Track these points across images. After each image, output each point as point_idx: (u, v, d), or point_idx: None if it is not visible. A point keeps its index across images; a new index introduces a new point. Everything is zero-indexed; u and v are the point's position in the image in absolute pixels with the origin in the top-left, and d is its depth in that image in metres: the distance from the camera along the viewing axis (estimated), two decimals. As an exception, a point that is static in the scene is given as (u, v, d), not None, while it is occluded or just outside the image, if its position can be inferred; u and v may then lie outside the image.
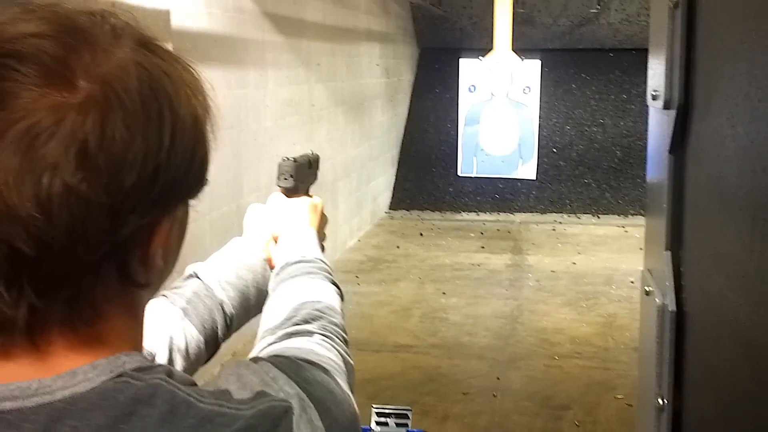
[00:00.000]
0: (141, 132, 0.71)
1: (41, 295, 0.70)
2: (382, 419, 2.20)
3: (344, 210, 9.11)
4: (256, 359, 0.86)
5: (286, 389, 0.80)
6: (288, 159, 1.50)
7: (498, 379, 5.63)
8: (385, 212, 11.20)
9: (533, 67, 9.09)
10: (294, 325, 1.09)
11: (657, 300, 1.45)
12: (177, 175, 0.75)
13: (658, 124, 1.56)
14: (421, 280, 8.03)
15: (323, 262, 1.35)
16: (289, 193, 1.51)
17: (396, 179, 11.63)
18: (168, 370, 0.76)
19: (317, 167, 1.62)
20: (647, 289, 1.54)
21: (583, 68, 12.09)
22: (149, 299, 0.83)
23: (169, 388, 0.73)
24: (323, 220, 1.54)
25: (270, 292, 1.28)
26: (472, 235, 10.04)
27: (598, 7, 10.96)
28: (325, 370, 0.91)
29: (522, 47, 9.58)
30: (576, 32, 12.05)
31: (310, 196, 1.55)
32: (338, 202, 8.82)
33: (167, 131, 0.73)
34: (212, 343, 1.34)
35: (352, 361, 1.05)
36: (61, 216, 0.68)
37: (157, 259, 0.77)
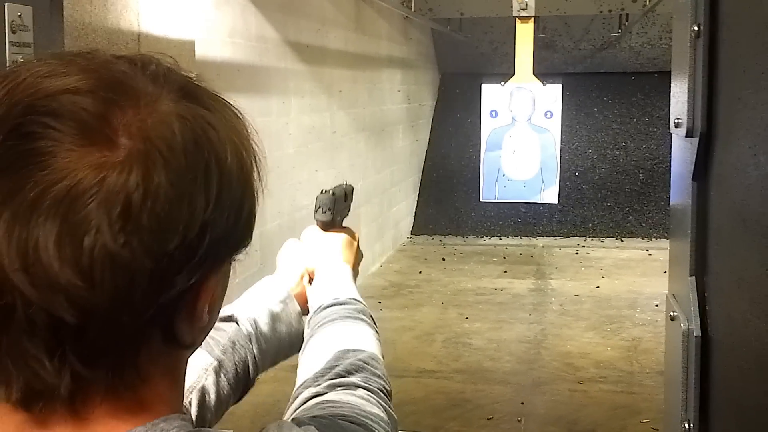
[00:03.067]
0: (186, 189, 0.67)
1: (85, 363, 0.67)
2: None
3: (366, 235, 9.13)
4: (299, 422, 0.83)
5: None
6: (326, 191, 1.47)
7: (522, 404, 5.61)
8: (407, 237, 11.22)
9: (555, 91, 9.11)
10: (337, 377, 1.06)
11: (682, 325, 1.46)
12: (224, 232, 0.71)
13: (681, 150, 1.58)
14: (443, 305, 8.03)
15: (359, 302, 1.31)
16: (326, 226, 1.48)
17: (418, 204, 11.65)
18: None
19: (351, 199, 1.59)
20: (672, 314, 1.56)
21: (605, 92, 12.10)
22: (191, 354, 0.80)
23: None
24: (359, 256, 1.50)
25: (306, 336, 1.25)
26: (495, 259, 10.03)
27: (620, 30, 10.97)
28: (369, 429, 0.89)
29: (543, 71, 9.60)
30: (597, 56, 12.07)
31: (345, 229, 1.52)
32: (360, 228, 8.84)
33: (213, 187, 0.70)
34: (243, 386, 1.31)
35: (395, 415, 1.02)
36: (103, 282, 0.64)
37: (203, 316, 0.74)
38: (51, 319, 0.64)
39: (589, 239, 11.04)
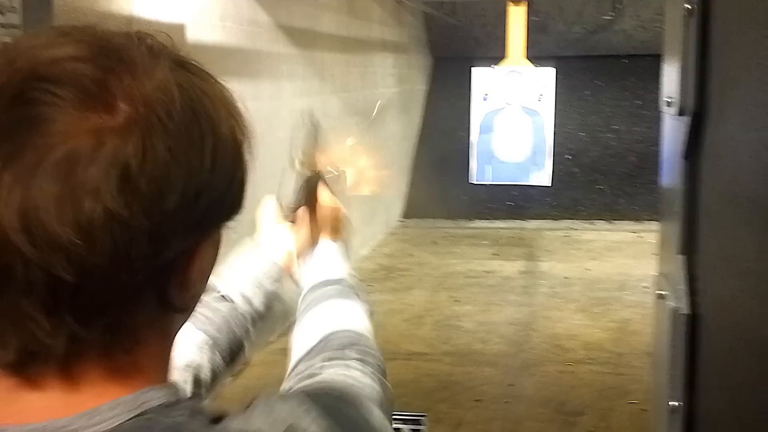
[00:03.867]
0: (183, 154, 0.69)
1: (82, 322, 0.68)
2: (397, 425, 2.22)
3: (357, 219, 9.08)
4: (288, 393, 0.84)
5: (319, 422, 0.77)
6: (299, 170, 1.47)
7: (511, 385, 5.65)
8: (399, 221, 11.23)
9: (547, 74, 9.11)
10: (331, 353, 1.07)
11: (670, 303, 1.47)
12: (218, 197, 0.73)
13: (672, 130, 1.58)
14: (434, 288, 8.05)
15: (351, 278, 1.32)
16: (308, 202, 1.46)
17: (409, 188, 11.65)
18: (193, 407, 0.74)
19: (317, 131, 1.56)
20: (661, 293, 1.56)
21: (598, 75, 12.10)
22: (183, 323, 0.81)
23: (191, 429, 0.71)
24: (347, 229, 1.50)
25: (298, 316, 1.26)
26: (486, 242, 10.06)
27: (612, 14, 10.97)
28: (361, 402, 0.89)
29: (536, 55, 9.59)
30: (590, 39, 12.06)
31: (334, 204, 1.49)
32: (351, 211, 8.83)
33: (209, 153, 0.72)
34: (237, 363, 1.33)
35: (390, 387, 1.03)
36: (103, 242, 0.66)
37: (195, 283, 0.76)
38: (49, 279, 0.66)
39: (579, 222, 11.07)
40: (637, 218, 10.90)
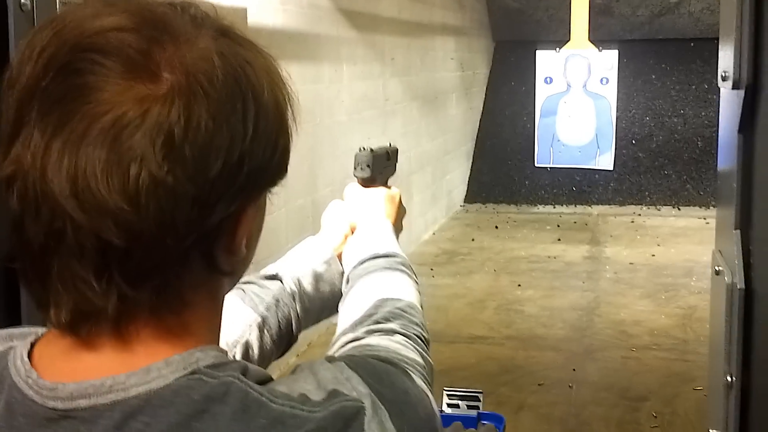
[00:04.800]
0: (225, 121, 0.71)
1: (131, 284, 0.71)
2: (454, 401, 2.24)
3: (419, 203, 9.14)
4: (331, 359, 0.85)
5: (359, 389, 0.78)
6: (365, 149, 1.48)
7: (574, 370, 5.60)
8: (461, 205, 11.20)
9: (611, 57, 8.99)
10: (375, 323, 1.08)
11: (726, 279, 1.46)
12: (261, 163, 0.75)
13: (729, 104, 1.57)
14: (496, 273, 8.03)
15: (399, 255, 1.33)
16: (366, 183, 1.49)
17: (471, 172, 11.61)
18: (243, 367, 0.76)
19: (396, 159, 1.59)
20: (717, 269, 1.55)
21: (664, 58, 11.88)
22: (231, 287, 0.84)
23: (242, 387, 0.73)
24: (401, 212, 1.51)
25: (346, 288, 1.28)
26: (549, 227, 9.97)
27: (679, -5, 10.77)
28: (403, 371, 0.90)
29: (600, 38, 9.47)
30: (656, 22, 11.84)
31: (389, 188, 1.52)
32: (413, 195, 8.86)
33: (251, 120, 0.73)
34: (286, 344, 1.34)
35: (431, 361, 1.03)
36: (149, 207, 0.68)
37: (242, 247, 0.78)
38: (99, 243, 0.68)
39: (645, 207, 10.90)
40: (703, 204, 10.70)
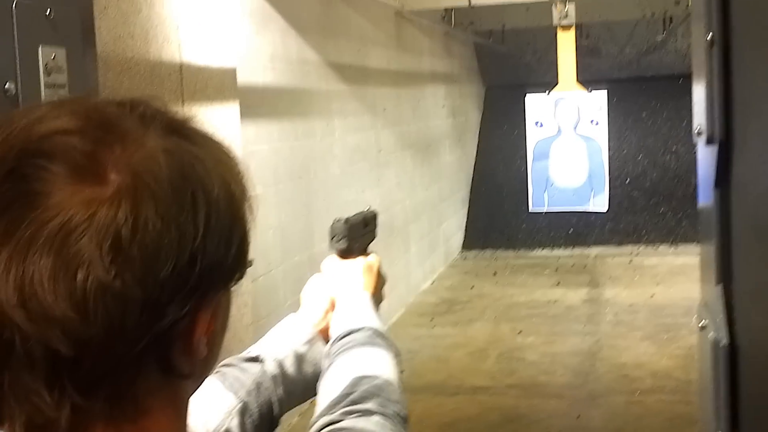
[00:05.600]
0: (174, 220, 0.70)
1: (83, 393, 0.68)
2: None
3: (416, 253, 9.14)
4: None
5: None
6: (339, 220, 1.46)
7: (578, 417, 5.57)
8: (458, 253, 11.20)
9: (600, 98, 9.05)
10: (352, 403, 1.07)
11: (710, 335, 1.45)
12: (214, 261, 0.73)
13: (705, 158, 1.57)
14: (496, 320, 8.00)
15: (377, 328, 1.31)
16: (343, 254, 1.47)
17: (468, 219, 11.63)
18: None
19: (374, 224, 1.57)
20: (701, 325, 1.54)
21: (653, 96, 11.97)
22: (195, 389, 0.81)
23: None
24: (380, 280, 1.49)
25: (324, 366, 1.26)
26: (547, 271, 9.96)
27: (664, 33, 10.86)
28: None
29: (589, 78, 9.53)
30: (643, 60, 11.96)
31: (367, 255, 1.50)
32: (410, 245, 8.86)
33: (201, 217, 0.72)
34: (267, 427, 1.31)
35: None
36: (96, 313, 0.67)
37: (200, 348, 0.75)
38: (48, 352, 0.67)
39: (642, 246, 10.91)
40: (700, 242, 10.67)
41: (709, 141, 1.45)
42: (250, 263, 0.81)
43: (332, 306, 1.42)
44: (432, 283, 9.61)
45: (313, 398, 1.33)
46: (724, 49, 1.39)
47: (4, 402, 0.69)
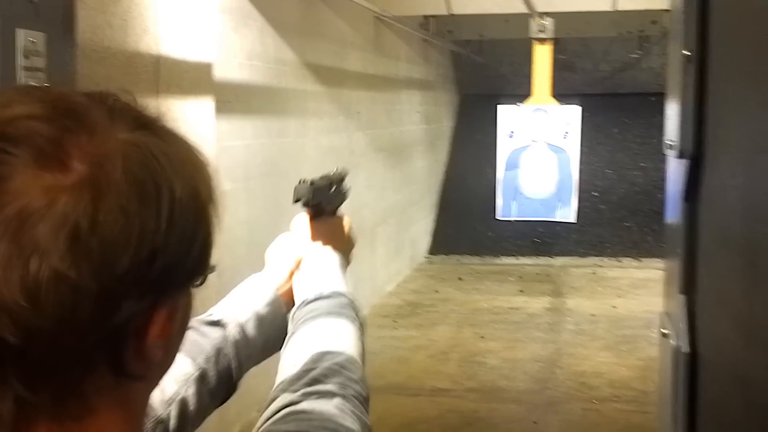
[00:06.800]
0: (136, 214, 0.67)
1: (28, 386, 0.66)
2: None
3: (383, 255, 9.18)
4: None
5: None
6: (305, 181, 1.38)
7: (535, 423, 5.63)
8: (425, 257, 11.26)
9: (573, 112, 9.15)
10: (313, 381, 1.05)
11: (672, 342, 1.50)
12: (175, 259, 0.71)
13: (674, 172, 1.63)
14: (459, 324, 8.05)
15: (343, 295, 1.29)
16: (314, 214, 1.42)
17: (436, 224, 11.69)
18: None
19: (341, 186, 1.49)
20: (664, 332, 1.60)
21: (625, 113, 12.11)
22: (148, 394, 0.78)
23: None
24: (350, 242, 1.46)
25: (289, 332, 1.23)
26: (511, 279, 10.05)
27: (640, 52, 11.00)
28: None
29: (563, 92, 9.62)
30: (617, 77, 12.10)
31: (336, 216, 1.46)
32: (377, 248, 8.90)
33: (164, 213, 0.69)
34: (225, 393, 1.29)
35: (368, 422, 1.01)
36: (48, 303, 0.64)
37: (154, 351, 0.72)
38: None
39: (606, 259, 11.03)
40: (664, 256, 10.81)
41: (681, 155, 1.51)
42: (213, 269, 0.78)
43: (297, 266, 1.39)
44: (397, 286, 9.65)
45: (270, 357, 1.33)
46: (700, 66, 1.44)
47: None
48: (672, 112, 1.61)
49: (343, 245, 1.44)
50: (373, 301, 8.60)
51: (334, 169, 1.50)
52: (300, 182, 1.38)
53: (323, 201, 1.42)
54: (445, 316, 8.38)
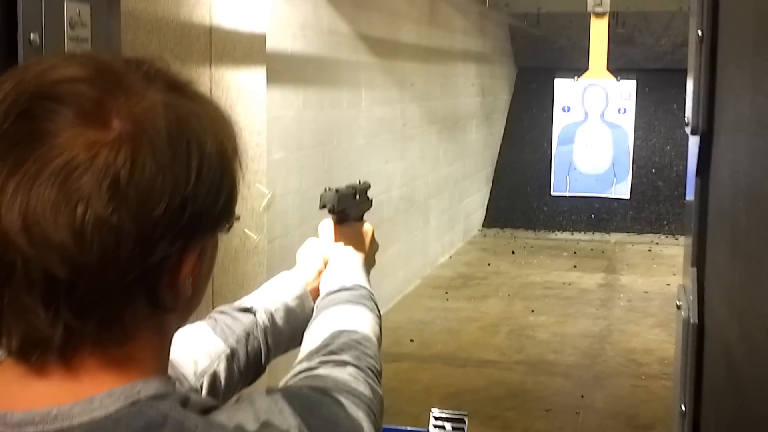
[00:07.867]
0: (169, 166, 0.76)
1: (76, 315, 0.75)
2: (440, 423, 2.32)
3: (436, 227, 9.23)
4: (270, 390, 0.90)
5: (289, 420, 0.85)
6: (330, 189, 1.53)
7: (582, 397, 5.65)
8: (478, 230, 11.27)
9: (629, 87, 9.06)
10: (330, 353, 1.12)
11: (683, 314, 1.55)
12: (203, 208, 0.80)
13: (691, 148, 1.66)
14: (510, 298, 8.09)
15: (364, 288, 1.39)
16: (339, 220, 1.55)
17: (490, 197, 11.68)
18: (183, 398, 0.81)
19: (365, 196, 1.63)
20: (678, 303, 1.64)
21: (684, 88, 11.91)
22: (179, 325, 0.88)
23: (177, 418, 0.78)
24: (373, 247, 1.59)
25: (311, 320, 1.33)
26: (565, 254, 10.02)
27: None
28: (336, 401, 0.95)
29: (622, 67, 9.52)
30: (678, 52, 11.87)
31: (362, 223, 1.59)
32: (430, 219, 8.95)
33: (194, 166, 0.78)
34: (254, 374, 1.40)
35: (381, 393, 1.08)
36: (93, 244, 0.73)
37: (185, 287, 0.82)
38: (46, 275, 0.74)
39: (663, 236, 10.92)
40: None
41: (694, 132, 1.54)
42: (238, 218, 0.88)
43: (325, 266, 1.51)
44: (449, 258, 9.70)
45: (297, 347, 1.43)
46: (712, 46, 1.47)
47: (2, 318, 0.77)
48: (689, 90, 1.65)
49: (366, 249, 1.56)
50: (426, 272, 8.67)
51: (358, 182, 1.64)
52: (326, 190, 1.53)
53: (347, 208, 1.55)
54: (496, 289, 8.41)
